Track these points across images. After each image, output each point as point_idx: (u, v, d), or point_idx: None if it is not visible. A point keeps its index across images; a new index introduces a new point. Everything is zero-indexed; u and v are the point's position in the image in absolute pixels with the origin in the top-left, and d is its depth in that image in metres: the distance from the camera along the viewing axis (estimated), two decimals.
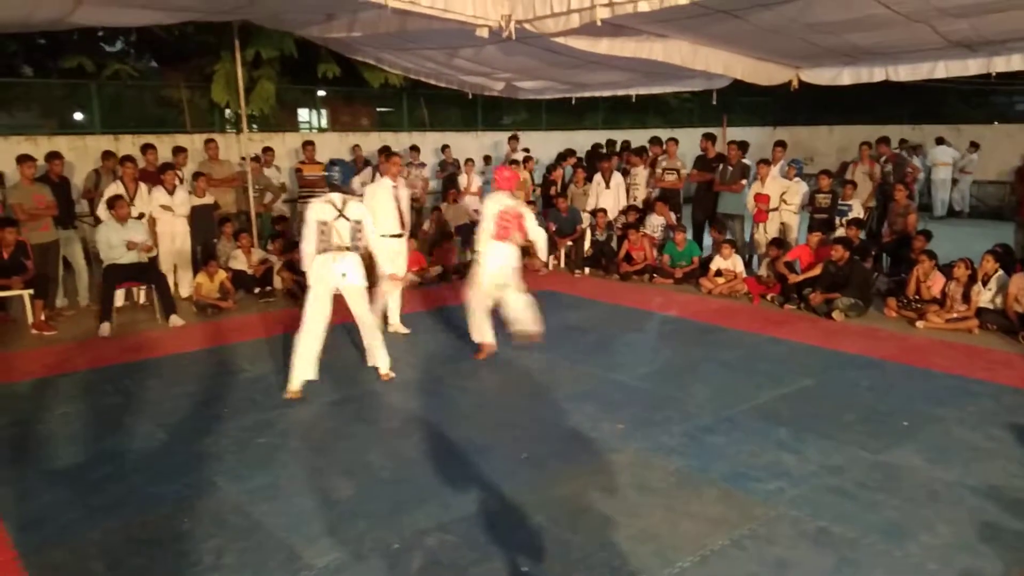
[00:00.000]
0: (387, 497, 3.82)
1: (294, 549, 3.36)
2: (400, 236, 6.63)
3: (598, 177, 10.22)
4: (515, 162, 11.18)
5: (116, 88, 11.89)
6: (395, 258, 6.39)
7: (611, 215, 9.98)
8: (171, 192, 8.15)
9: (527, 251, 9.39)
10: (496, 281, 5.94)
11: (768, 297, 8.15)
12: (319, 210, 5.11)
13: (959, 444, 4.41)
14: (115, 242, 7.13)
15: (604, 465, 4.17)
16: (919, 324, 6.98)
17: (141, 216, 7.84)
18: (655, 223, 9.69)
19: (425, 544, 3.37)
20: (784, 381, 5.51)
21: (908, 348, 6.39)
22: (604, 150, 12.51)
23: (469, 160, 11.96)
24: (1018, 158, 11.14)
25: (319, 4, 6.65)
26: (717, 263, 8.66)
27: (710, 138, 10.18)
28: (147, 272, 7.46)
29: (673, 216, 9.69)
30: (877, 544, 3.35)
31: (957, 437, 4.52)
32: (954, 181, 14.91)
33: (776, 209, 9.06)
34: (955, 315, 6.93)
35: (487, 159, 13.65)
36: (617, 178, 10.26)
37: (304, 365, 5.20)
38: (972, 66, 7.01)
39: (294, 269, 7.77)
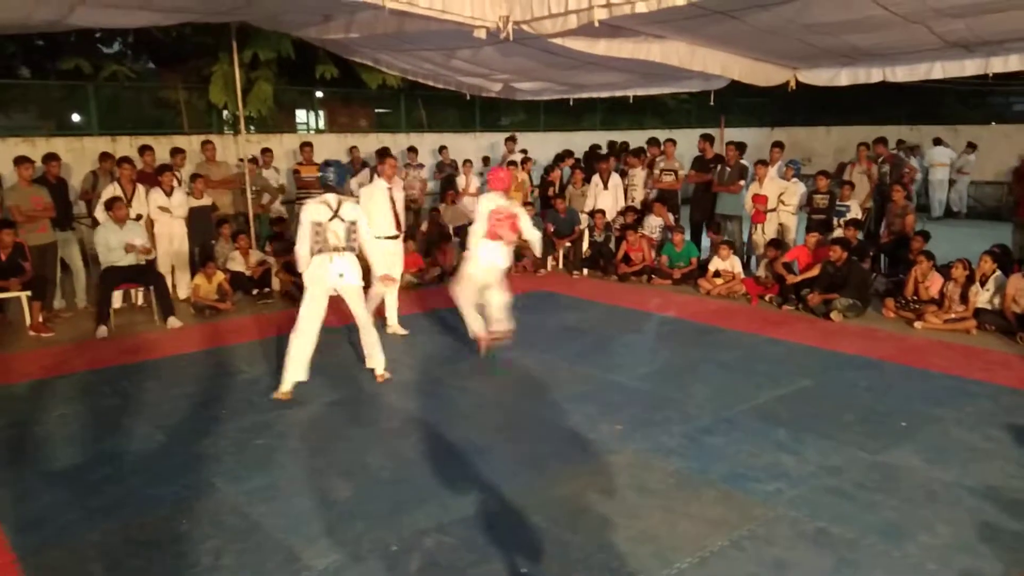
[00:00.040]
0: (386, 498, 3.82)
1: (293, 550, 3.35)
2: (396, 237, 6.64)
3: (596, 178, 10.23)
4: (513, 163, 11.17)
5: (113, 89, 11.89)
6: (391, 259, 6.41)
7: (609, 216, 9.99)
8: (169, 193, 8.14)
9: (524, 253, 9.52)
10: (485, 278, 6.05)
11: (766, 298, 8.16)
12: (314, 211, 5.11)
13: (957, 444, 4.42)
14: (114, 244, 7.12)
15: (603, 466, 4.17)
16: (917, 325, 6.99)
17: (139, 217, 7.84)
18: (653, 224, 9.70)
19: (424, 545, 3.37)
20: (783, 382, 5.52)
21: (906, 349, 6.40)
22: (607, 151, 12.51)
23: (467, 161, 11.97)
24: (1015, 158, 11.18)
25: (316, 5, 6.65)
26: (715, 264, 8.67)
27: (708, 139, 10.19)
28: (145, 274, 7.45)
29: (671, 217, 9.70)
30: (876, 544, 3.35)
31: (955, 437, 4.52)
32: (951, 182, 14.93)
33: (774, 210, 9.08)
34: (953, 316, 6.93)
35: (485, 160, 13.64)
36: (615, 179, 10.27)
37: (296, 367, 5.19)
38: (969, 67, 7.02)
39: (292, 270, 7.75)
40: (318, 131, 14.50)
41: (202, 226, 8.56)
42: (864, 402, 5.11)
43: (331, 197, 5.19)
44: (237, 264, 8.41)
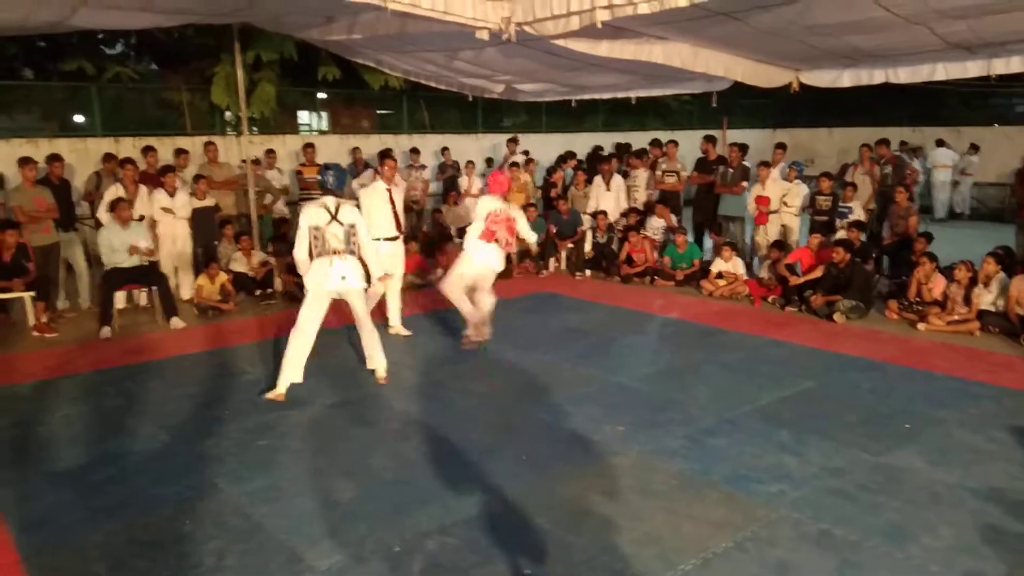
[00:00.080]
0: (388, 499, 3.82)
1: (295, 551, 3.36)
2: (396, 239, 6.65)
3: (598, 179, 10.22)
4: (515, 164, 11.18)
5: (116, 91, 11.92)
6: (390, 260, 6.44)
7: (612, 217, 9.98)
8: (172, 194, 8.15)
9: (523, 254, 9.52)
10: (476, 278, 6.20)
11: (769, 299, 8.15)
12: (312, 215, 5.11)
13: (960, 446, 4.41)
14: (117, 245, 7.12)
15: (606, 468, 4.17)
16: (920, 326, 6.98)
17: (142, 218, 7.85)
18: (656, 225, 9.70)
19: (426, 546, 3.37)
20: (785, 383, 5.51)
21: (909, 350, 6.39)
22: (610, 153, 12.50)
23: (470, 162, 11.98)
24: (1018, 160, 11.12)
25: (319, 7, 6.66)
26: (718, 265, 8.67)
27: (710, 140, 10.19)
28: (148, 274, 7.46)
29: (674, 218, 9.69)
30: (879, 546, 3.35)
31: (958, 439, 4.52)
32: (954, 183, 14.92)
33: (777, 211, 9.07)
34: (956, 317, 6.93)
35: (488, 161, 13.66)
36: (617, 180, 10.27)
37: (294, 367, 5.19)
38: (971, 68, 7.02)
39: (294, 271, 7.77)
40: (321, 132, 14.52)
41: (205, 227, 8.57)
42: (867, 404, 5.11)
43: (330, 200, 5.18)
44: (240, 265, 8.42)
